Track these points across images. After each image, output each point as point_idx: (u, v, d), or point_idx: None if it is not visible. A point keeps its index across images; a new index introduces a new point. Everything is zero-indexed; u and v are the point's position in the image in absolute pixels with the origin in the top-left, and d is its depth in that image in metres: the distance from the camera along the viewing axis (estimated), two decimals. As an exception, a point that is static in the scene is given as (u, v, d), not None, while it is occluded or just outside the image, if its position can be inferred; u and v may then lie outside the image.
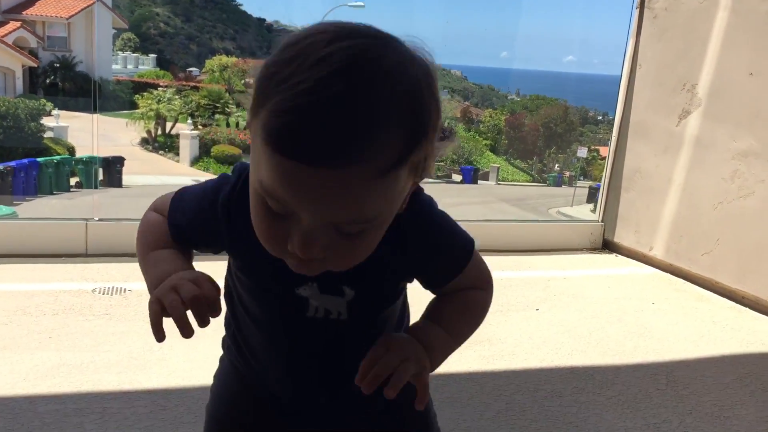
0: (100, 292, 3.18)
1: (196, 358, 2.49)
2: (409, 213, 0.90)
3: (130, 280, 3.33)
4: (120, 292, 3.19)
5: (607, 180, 4.54)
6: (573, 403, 2.45)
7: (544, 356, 2.84)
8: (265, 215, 0.79)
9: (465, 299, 1.12)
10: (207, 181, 1.04)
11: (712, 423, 2.37)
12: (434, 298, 1.14)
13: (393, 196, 0.78)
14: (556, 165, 36.74)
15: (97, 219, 3.71)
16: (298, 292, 1.01)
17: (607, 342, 3.03)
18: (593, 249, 4.58)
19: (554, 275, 3.97)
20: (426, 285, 1.09)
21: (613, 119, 4.52)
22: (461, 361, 2.74)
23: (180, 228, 1.04)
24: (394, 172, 0.74)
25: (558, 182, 32.88)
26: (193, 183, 1.08)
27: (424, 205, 1.01)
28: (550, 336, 3.06)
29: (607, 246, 4.56)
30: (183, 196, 1.06)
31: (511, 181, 34.19)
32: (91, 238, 3.64)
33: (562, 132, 37.86)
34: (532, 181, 35.36)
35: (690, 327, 3.30)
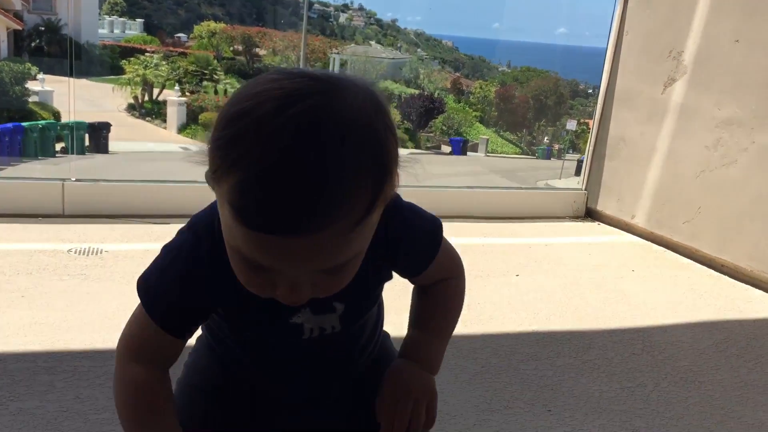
0: (75, 252, 3.14)
1: (170, 318, 2.47)
2: (384, 214, 0.91)
3: (107, 241, 3.29)
4: (96, 253, 3.15)
5: (591, 148, 4.52)
6: (549, 366, 2.46)
7: (522, 321, 2.84)
8: (247, 269, 0.80)
9: (444, 294, 1.19)
10: (165, 255, 1.01)
11: (687, 387, 2.38)
12: (415, 297, 1.21)
13: (368, 232, 0.81)
14: (546, 138, 36.74)
15: (74, 179, 3.66)
16: (293, 321, 1.03)
17: (585, 308, 3.03)
18: (576, 217, 4.57)
19: (536, 242, 3.96)
20: (404, 272, 1.12)
21: (599, 87, 4.49)
22: (439, 324, 2.74)
23: (167, 316, 1.00)
24: (366, 219, 0.77)
25: (547, 155, 32.89)
26: (148, 268, 1.04)
27: (395, 203, 1.01)
28: (528, 301, 3.05)
29: (590, 214, 4.55)
30: (149, 286, 1.02)
31: (501, 153, 34.18)
32: (68, 198, 3.59)
33: (552, 104, 37.80)
34: (521, 154, 35.37)
35: (668, 294, 3.31)
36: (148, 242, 3.33)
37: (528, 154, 35.26)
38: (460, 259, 1.20)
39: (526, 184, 19.71)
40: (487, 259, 3.56)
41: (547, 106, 37.77)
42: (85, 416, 1.89)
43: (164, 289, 1.00)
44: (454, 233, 4.15)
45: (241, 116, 0.74)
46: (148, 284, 1.01)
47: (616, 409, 2.20)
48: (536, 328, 2.79)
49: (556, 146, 34.36)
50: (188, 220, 1.03)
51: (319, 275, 0.80)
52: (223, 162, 0.74)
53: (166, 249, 1.02)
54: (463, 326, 2.73)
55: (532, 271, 3.47)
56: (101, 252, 3.17)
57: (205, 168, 0.79)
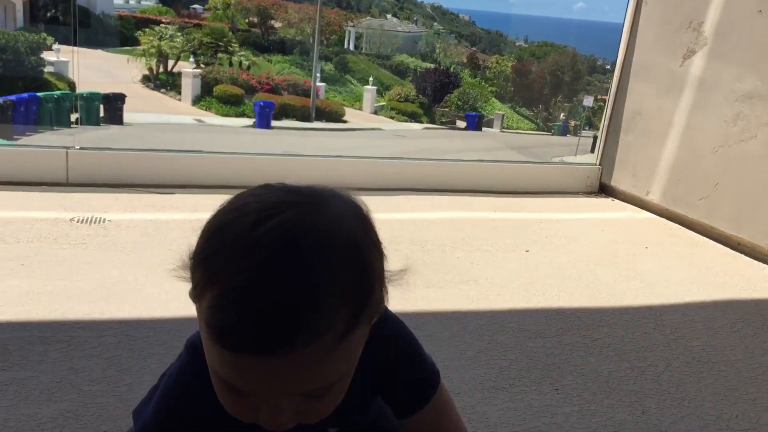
0: (77, 221, 3.10)
1: (170, 289, 2.42)
2: (378, 338, 0.87)
3: (110, 211, 3.24)
4: (98, 222, 3.10)
5: (606, 122, 4.41)
6: (557, 344, 2.39)
7: (531, 297, 2.77)
8: (228, 393, 0.77)
9: None
10: (165, 384, 0.96)
11: (700, 368, 2.31)
12: None
13: (352, 353, 0.77)
14: (562, 114, 36.40)
15: (78, 147, 3.60)
16: None
17: (596, 285, 2.96)
18: (589, 193, 4.47)
19: (547, 217, 3.87)
20: (395, 407, 1.06)
21: (615, 60, 4.36)
22: (445, 299, 2.68)
23: None
24: (348, 337, 0.73)
25: (563, 131, 32.58)
26: (145, 397, 1.02)
27: (392, 330, 0.99)
28: (538, 277, 2.98)
29: (604, 190, 4.45)
30: (142, 417, 0.97)
31: (516, 129, 33.93)
32: (72, 166, 3.54)
33: (569, 80, 37.39)
34: (537, 130, 35.08)
35: (683, 272, 3.22)
36: (152, 212, 3.27)
37: (544, 131, 34.96)
38: (462, 422, 1.10)
39: (541, 159, 19.54)
40: (497, 233, 3.48)
41: (564, 82, 37.36)
42: (79, 387, 1.85)
43: (155, 422, 0.95)
44: (463, 207, 4.09)
45: (220, 230, 0.73)
46: (141, 415, 0.98)
47: (625, 389, 2.13)
48: (545, 304, 2.72)
49: (572, 123, 34.02)
50: (188, 338, 0.97)
51: (302, 399, 0.76)
52: (201, 278, 0.72)
53: (163, 377, 0.99)
54: (470, 302, 2.67)
55: (542, 246, 3.39)
56: (104, 221, 3.12)
57: (189, 285, 0.77)
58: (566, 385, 2.12)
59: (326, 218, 0.74)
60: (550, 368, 2.22)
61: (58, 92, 19.36)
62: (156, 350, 2.07)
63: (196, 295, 0.74)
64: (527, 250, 3.31)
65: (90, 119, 19.38)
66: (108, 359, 2.01)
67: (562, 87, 37.46)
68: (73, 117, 18.98)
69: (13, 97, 16.55)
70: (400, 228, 3.42)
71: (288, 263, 0.69)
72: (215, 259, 0.71)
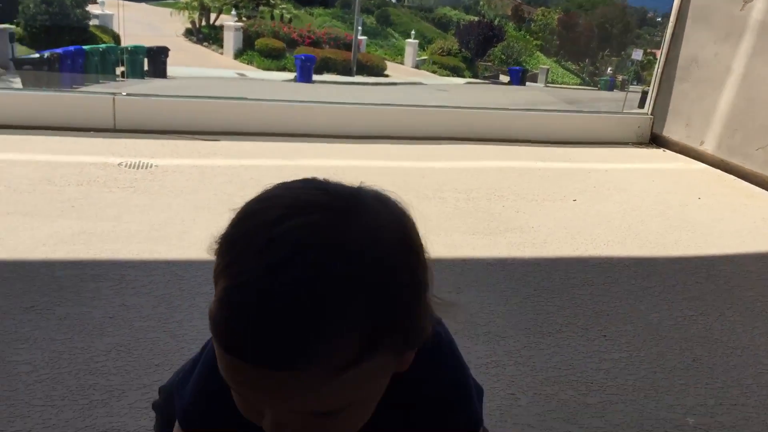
0: (126, 165, 3.13)
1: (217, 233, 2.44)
2: (418, 372, 0.79)
3: (157, 156, 3.27)
4: (146, 167, 3.13)
5: (659, 70, 4.26)
6: (605, 292, 2.35)
7: (578, 246, 2.72)
8: (234, 390, 0.71)
9: None
10: (200, 369, 0.90)
11: (754, 317, 2.25)
12: None
13: (367, 380, 0.68)
14: (609, 68, 35.46)
15: (124, 93, 3.63)
16: None
17: (646, 235, 2.89)
18: (640, 143, 4.36)
19: (595, 168, 3.79)
20: None
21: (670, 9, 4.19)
22: (490, 246, 2.65)
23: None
24: (358, 365, 0.64)
25: (610, 86, 31.78)
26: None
27: (437, 367, 0.87)
28: (585, 227, 2.92)
29: (656, 140, 4.33)
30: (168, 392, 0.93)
31: (561, 83, 33.21)
32: (119, 112, 3.57)
33: (617, 33, 36.31)
34: (582, 85, 34.29)
35: (736, 223, 3.13)
36: (197, 158, 3.29)
37: (590, 86, 34.16)
38: None
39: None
40: (543, 183, 3.42)
41: (612, 35, 36.30)
42: (131, 323, 1.88)
43: (186, 397, 0.90)
44: (510, 157, 4.02)
45: (245, 218, 0.67)
46: (175, 395, 0.93)
47: (676, 336, 2.09)
48: (592, 253, 2.67)
49: (620, 77, 33.15)
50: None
51: (308, 417, 0.68)
52: (218, 265, 0.66)
53: (198, 354, 0.94)
54: (516, 249, 2.64)
55: (590, 196, 3.32)
56: (151, 166, 3.15)
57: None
58: (614, 332, 2.09)
59: (357, 229, 0.65)
60: (597, 315, 2.19)
61: (103, 45, 19.50)
62: (204, 290, 2.10)
63: (214, 279, 0.69)
64: (574, 200, 3.25)
65: (135, 72, 19.53)
66: (158, 297, 2.04)
67: (610, 40, 36.41)
68: (119, 70, 19.12)
69: (59, 51, 16.72)
70: (445, 176, 3.38)
71: (298, 273, 0.61)
72: (232, 249, 0.65)
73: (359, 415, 0.72)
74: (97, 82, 16.87)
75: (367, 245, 0.64)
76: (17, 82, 15.44)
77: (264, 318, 0.60)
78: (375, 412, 0.78)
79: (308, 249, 0.62)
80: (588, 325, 2.12)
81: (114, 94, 3.60)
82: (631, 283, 2.43)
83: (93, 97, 3.63)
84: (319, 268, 0.61)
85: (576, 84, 34.26)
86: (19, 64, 16.94)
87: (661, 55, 4.28)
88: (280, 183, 0.71)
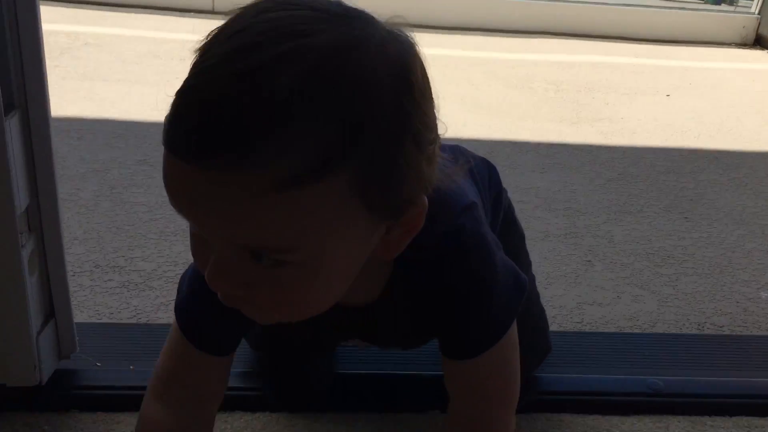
0: (224, 44, 3.26)
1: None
2: (427, 258, 0.72)
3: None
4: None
5: (772, -37, 4.01)
6: (691, 180, 2.35)
7: (668, 137, 2.70)
8: (192, 233, 0.63)
9: None
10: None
11: None
12: None
13: (313, 220, 0.55)
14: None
15: (223, -23, 3.71)
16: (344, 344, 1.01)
17: (739, 130, 2.83)
18: (743, 44, 4.16)
19: (693, 66, 3.67)
20: (442, 349, 0.83)
21: None
22: (577, 133, 2.66)
23: (199, 327, 0.82)
24: (301, 185, 0.52)
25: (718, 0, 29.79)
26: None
27: (455, 251, 0.75)
28: (677, 120, 2.89)
29: (760, 42, 4.13)
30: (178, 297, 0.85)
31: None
32: (217, -5, 3.68)
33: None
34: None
35: (840, 124, 3.02)
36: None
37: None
38: (516, 388, 0.85)
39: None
40: (636, 78, 3.35)
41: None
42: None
43: (192, 296, 0.82)
44: (603, 52, 3.93)
45: (233, 15, 0.60)
46: (178, 295, 0.86)
47: (759, 222, 2.09)
48: (682, 144, 2.65)
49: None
50: None
51: (252, 265, 0.58)
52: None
53: None
54: (603, 137, 2.65)
55: (684, 92, 3.25)
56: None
57: None
58: (697, 215, 2.11)
59: (346, 36, 0.56)
60: (681, 200, 2.20)
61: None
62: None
63: None
64: (668, 95, 3.19)
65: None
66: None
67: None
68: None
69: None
70: (534, 68, 3.36)
71: (258, 59, 0.53)
72: (206, 40, 0.59)
73: (311, 278, 0.59)
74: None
75: (351, 54, 0.55)
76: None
77: (209, 106, 0.53)
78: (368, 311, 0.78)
79: (279, 37, 0.54)
80: (671, 207, 2.14)
81: (214, -23, 3.70)
82: (719, 173, 2.41)
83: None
84: (284, 56, 0.53)
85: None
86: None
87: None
88: None
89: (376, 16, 0.60)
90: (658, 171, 2.40)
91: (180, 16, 3.63)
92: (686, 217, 2.09)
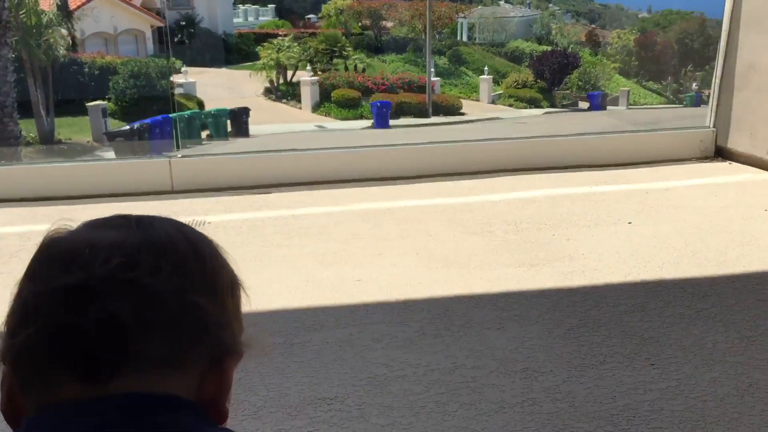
0: (179, 225, 3.24)
1: (265, 283, 2.48)
2: None
3: (211, 213, 3.37)
4: (200, 225, 3.22)
5: (717, 80, 4.08)
6: (656, 317, 2.23)
7: (630, 270, 2.61)
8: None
9: None
10: None
11: (821, 336, 2.08)
12: None
13: None
14: (694, 84, 34.30)
15: (180, 155, 3.77)
16: None
17: (705, 252, 2.74)
18: (704, 158, 4.16)
19: (654, 187, 3.64)
20: None
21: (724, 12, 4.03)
22: (536, 278, 2.57)
23: None
24: None
25: (696, 102, 30.68)
26: None
27: None
28: (639, 249, 2.80)
29: (721, 153, 4.13)
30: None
31: (643, 104, 32.34)
32: (175, 174, 3.71)
33: (699, 47, 35.16)
34: (666, 103, 33.26)
35: (807, 234, 2.93)
36: (250, 212, 3.37)
37: (674, 103, 33.07)
38: None
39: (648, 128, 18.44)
40: (597, 208, 3.31)
41: (693, 50, 35.18)
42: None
43: None
44: (563, 184, 3.91)
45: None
46: None
47: (731, 360, 1.96)
48: (646, 277, 2.55)
49: (706, 92, 31.99)
50: None
51: None
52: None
53: None
54: (563, 279, 2.56)
55: (646, 217, 3.19)
56: (204, 223, 3.24)
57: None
58: (664, 360, 1.98)
59: (151, 235, 0.61)
60: (646, 342, 2.08)
61: (188, 112, 20.47)
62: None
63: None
64: (629, 222, 3.12)
65: (219, 134, 20.37)
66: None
67: (692, 55, 35.30)
68: (204, 134, 20.00)
69: (148, 121, 17.67)
70: (493, 208, 3.32)
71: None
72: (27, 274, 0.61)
73: None
74: (185, 147, 17.63)
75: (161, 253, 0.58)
76: (110, 153, 16.37)
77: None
78: None
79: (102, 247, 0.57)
80: (635, 354, 2.02)
81: (170, 157, 3.76)
82: (685, 306, 2.30)
83: (150, 162, 3.80)
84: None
85: (660, 103, 33.29)
86: (112, 137, 18.00)
87: (717, 64, 4.11)
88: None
89: None
90: (622, 311, 2.29)
91: (138, 200, 3.65)
92: (652, 363, 1.96)
